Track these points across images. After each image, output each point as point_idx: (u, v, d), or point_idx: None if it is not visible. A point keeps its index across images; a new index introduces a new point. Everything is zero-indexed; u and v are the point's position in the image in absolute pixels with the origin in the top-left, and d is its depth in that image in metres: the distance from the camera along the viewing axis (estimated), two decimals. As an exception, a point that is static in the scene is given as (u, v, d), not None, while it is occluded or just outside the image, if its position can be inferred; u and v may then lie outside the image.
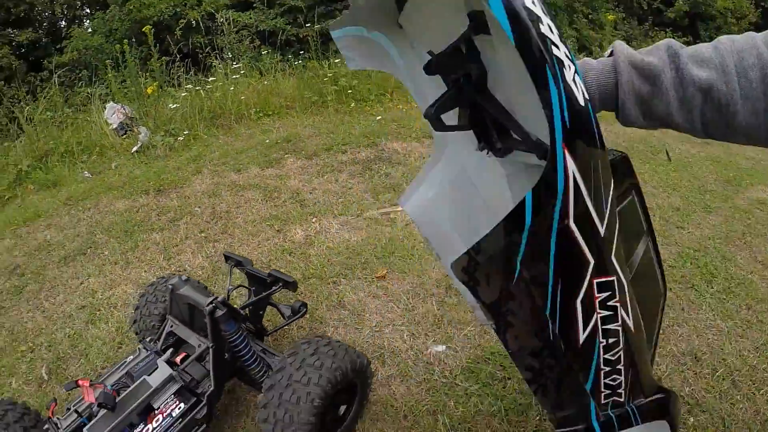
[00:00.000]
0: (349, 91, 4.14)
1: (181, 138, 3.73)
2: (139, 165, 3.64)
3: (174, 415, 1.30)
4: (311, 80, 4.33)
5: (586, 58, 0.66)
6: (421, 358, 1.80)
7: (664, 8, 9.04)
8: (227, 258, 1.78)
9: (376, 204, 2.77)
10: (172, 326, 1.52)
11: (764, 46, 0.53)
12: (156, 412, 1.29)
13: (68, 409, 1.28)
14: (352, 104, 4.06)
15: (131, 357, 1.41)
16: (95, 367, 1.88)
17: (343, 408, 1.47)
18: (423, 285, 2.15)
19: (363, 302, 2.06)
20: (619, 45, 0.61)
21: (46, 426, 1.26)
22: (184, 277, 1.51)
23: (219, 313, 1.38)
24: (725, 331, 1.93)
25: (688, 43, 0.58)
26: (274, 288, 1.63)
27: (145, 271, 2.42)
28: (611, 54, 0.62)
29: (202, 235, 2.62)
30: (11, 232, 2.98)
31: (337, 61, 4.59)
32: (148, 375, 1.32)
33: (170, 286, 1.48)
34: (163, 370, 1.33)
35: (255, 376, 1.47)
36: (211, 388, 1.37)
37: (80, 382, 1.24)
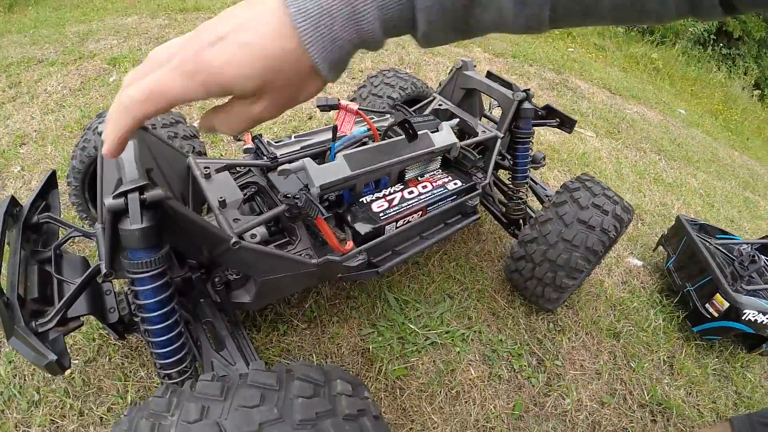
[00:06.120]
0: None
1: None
2: None
3: (449, 188, 1.12)
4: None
5: None
6: (620, 263, 1.69)
7: None
8: (489, 74, 1.47)
9: (566, 119, 2.60)
10: (440, 104, 1.35)
11: None
12: (422, 179, 1.13)
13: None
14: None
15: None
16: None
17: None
18: (619, 205, 2.00)
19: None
20: None
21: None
22: (470, 61, 1.37)
23: (527, 105, 1.23)
24: None
25: None
26: (547, 121, 1.43)
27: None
28: None
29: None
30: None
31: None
32: (432, 131, 1.12)
33: (461, 62, 1.34)
34: (447, 134, 1.13)
35: (515, 189, 1.34)
36: (485, 181, 1.19)
37: (343, 104, 0.94)
